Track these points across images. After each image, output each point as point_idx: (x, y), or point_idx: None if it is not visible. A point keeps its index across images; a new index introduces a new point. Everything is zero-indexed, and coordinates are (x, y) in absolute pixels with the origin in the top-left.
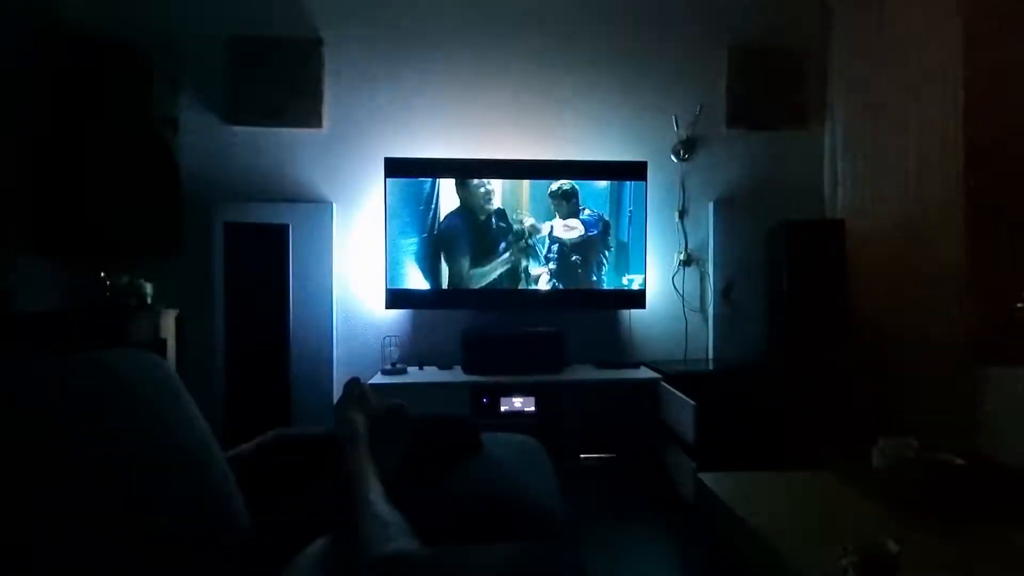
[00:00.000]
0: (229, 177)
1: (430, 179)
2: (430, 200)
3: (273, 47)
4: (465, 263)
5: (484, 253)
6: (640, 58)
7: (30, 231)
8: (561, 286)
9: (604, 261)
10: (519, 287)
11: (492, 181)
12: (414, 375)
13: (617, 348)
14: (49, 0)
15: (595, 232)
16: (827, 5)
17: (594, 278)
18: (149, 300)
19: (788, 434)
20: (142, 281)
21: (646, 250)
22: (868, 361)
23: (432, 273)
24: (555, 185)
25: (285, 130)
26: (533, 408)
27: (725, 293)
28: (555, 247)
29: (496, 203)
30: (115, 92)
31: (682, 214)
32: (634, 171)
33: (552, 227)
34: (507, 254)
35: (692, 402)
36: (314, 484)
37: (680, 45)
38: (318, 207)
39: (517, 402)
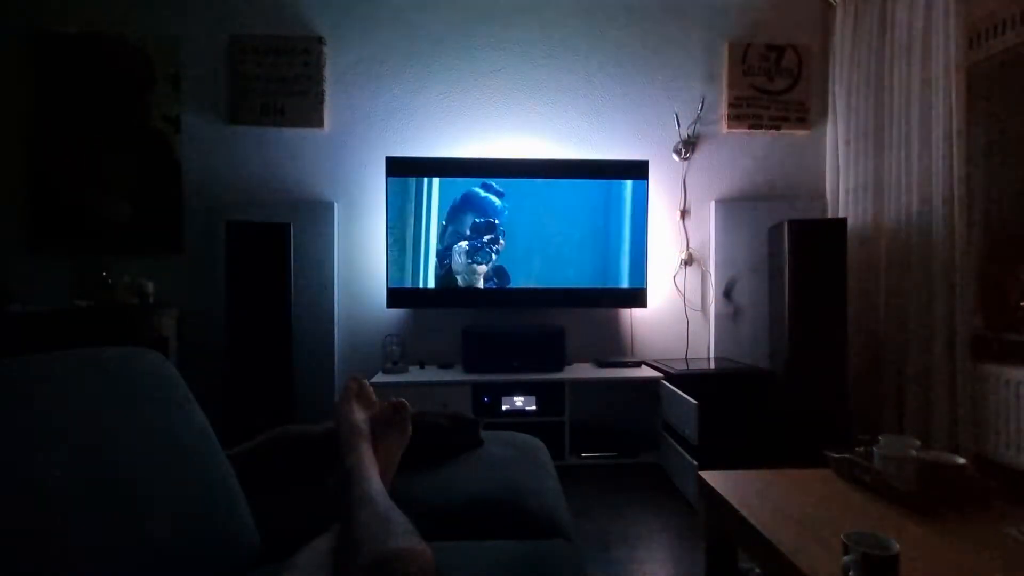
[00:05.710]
0: (230, 177)
1: (432, 178)
2: (430, 199)
3: (274, 46)
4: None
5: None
6: (641, 57)
7: (31, 230)
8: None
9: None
10: (520, 285)
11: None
12: (415, 374)
13: (618, 347)
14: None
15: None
16: (829, 3)
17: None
18: (151, 299)
19: (789, 433)
20: (143, 280)
21: (647, 249)
22: (869, 360)
23: (432, 272)
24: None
25: (286, 129)
26: (534, 407)
27: (726, 293)
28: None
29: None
30: (115, 92)
31: (683, 213)
32: (635, 170)
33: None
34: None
35: (693, 401)
36: (315, 482)
37: (681, 44)
38: (320, 206)
39: (518, 401)
